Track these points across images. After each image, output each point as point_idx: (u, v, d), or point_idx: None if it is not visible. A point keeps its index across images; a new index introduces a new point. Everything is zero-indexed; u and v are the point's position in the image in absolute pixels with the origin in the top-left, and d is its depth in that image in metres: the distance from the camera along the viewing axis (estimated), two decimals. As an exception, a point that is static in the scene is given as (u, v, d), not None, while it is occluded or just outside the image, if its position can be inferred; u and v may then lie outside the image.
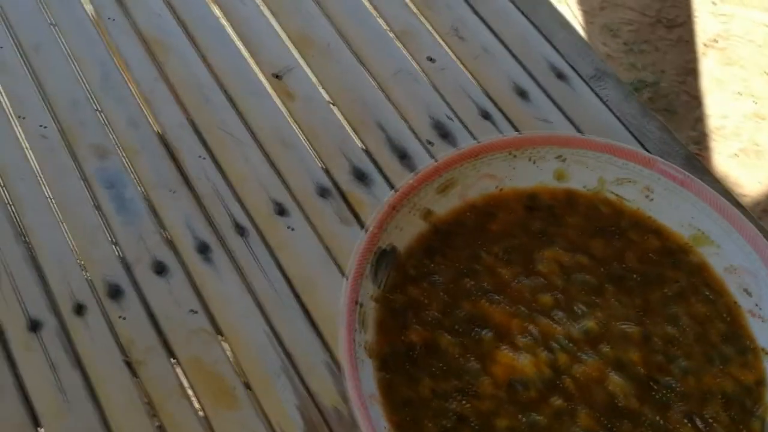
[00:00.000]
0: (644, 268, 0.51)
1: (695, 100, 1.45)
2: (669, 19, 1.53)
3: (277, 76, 0.63)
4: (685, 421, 0.46)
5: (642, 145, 0.62)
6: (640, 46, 1.49)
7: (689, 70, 1.47)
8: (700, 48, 1.50)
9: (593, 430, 0.45)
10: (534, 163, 0.53)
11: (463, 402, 0.45)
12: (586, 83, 0.64)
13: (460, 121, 0.61)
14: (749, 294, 0.50)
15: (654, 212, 0.53)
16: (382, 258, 0.49)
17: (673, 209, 0.53)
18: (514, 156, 0.53)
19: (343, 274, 0.53)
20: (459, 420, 0.45)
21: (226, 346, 0.51)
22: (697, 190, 0.52)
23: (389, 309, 0.49)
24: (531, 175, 0.54)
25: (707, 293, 0.51)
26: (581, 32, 1.52)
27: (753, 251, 0.50)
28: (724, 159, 1.39)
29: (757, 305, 0.50)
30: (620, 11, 1.54)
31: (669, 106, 1.44)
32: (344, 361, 0.43)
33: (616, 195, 0.54)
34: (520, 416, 0.45)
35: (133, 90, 0.62)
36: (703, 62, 1.48)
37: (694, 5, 1.56)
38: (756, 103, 1.43)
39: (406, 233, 0.51)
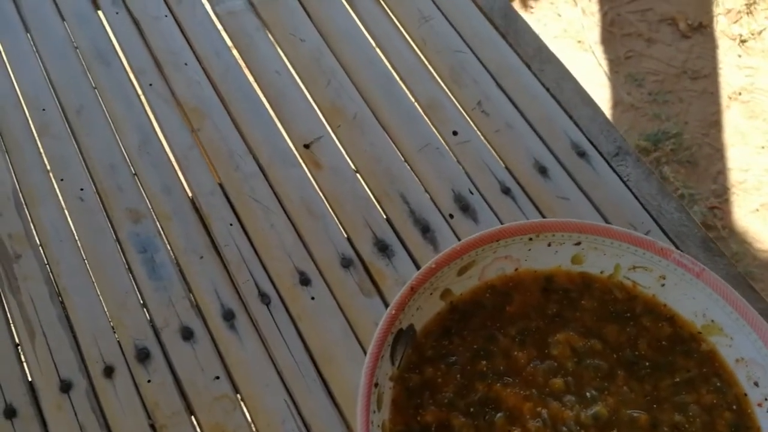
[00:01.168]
0: (656, 356, 0.53)
1: (717, 152, 1.45)
2: (694, 71, 1.54)
3: (306, 146, 0.65)
4: None
5: (659, 225, 0.63)
6: (664, 96, 1.50)
7: (713, 122, 1.48)
8: (725, 100, 1.51)
9: None
10: (551, 247, 0.55)
11: None
12: (607, 161, 0.66)
13: (482, 195, 0.63)
14: (758, 386, 0.51)
15: (668, 300, 0.54)
16: (399, 337, 0.51)
17: (688, 299, 0.54)
18: (532, 240, 0.55)
19: (362, 346, 0.55)
20: None
21: (247, 413, 0.53)
22: (711, 283, 0.53)
23: (405, 388, 0.50)
24: (548, 258, 0.55)
25: (717, 382, 0.52)
26: (606, 82, 1.54)
27: (764, 346, 0.51)
28: (745, 213, 1.40)
29: (765, 398, 0.51)
30: (645, 61, 1.56)
31: (691, 158, 1.45)
32: (360, 443, 0.45)
33: (632, 281, 0.55)
34: None
35: (169, 155, 0.64)
36: (727, 114, 1.49)
37: (719, 57, 1.57)
38: (779, 157, 1.44)
39: (425, 313, 0.53)
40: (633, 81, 1.53)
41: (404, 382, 0.50)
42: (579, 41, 1.58)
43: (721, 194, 1.42)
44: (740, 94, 1.53)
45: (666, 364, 0.52)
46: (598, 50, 1.58)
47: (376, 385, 0.48)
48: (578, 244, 0.55)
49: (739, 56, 1.60)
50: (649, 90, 1.53)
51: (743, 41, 1.59)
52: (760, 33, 1.60)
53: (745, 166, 1.45)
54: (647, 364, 0.52)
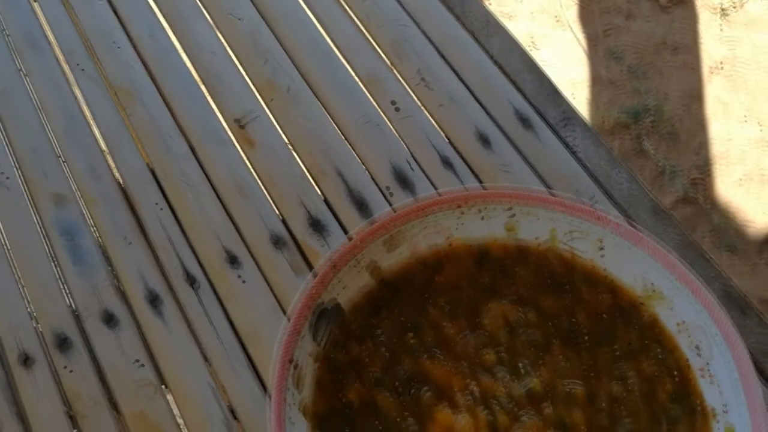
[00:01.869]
0: (595, 327, 0.50)
1: (699, 125, 1.43)
2: (674, 44, 1.51)
3: (240, 125, 0.63)
4: None
5: (608, 195, 0.61)
6: (644, 70, 1.47)
7: (694, 96, 1.45)
8: (706, 73, 1.48)
9: None
10: (483, 219, 0.53)
11: None
12: (554, 130, 0.64)
13: (421, 169, 0.61)
14: (699, 352, 0.49)
15: (607, 265, 0.52)
16: (323, 315, 0.49)
17: (627, 264, 0.52)
18: (463, 213, 0.52)
19: (291, 327, 0.53)
20: None
21: (170, 398, 0.51)
22: (649, 248, 0.51)
23: (330, 367, 0.48)
24: (481, 228, 0.53)
25: (658, 351, 0.50)
26: (584, 58, 1.51)
27: (703, 308, 0.49)
28: (728, 186, 1.37)
29: (707, 364, 0.48)
30: (624, 36, 1.53)
31: (672, 132, 1.42)
32: (270, 422, 0.43)
33: (570, 248, 0.53)
34: None
35: (97, 138, 0.62)
36: (708, 87, 1.46)
37: (700, 29, 1.54)
38: (762, 128, 1.41)
39: (351, 289, 0.50)
40: (612, 56, 1.50)
41: (330, 362, 0.48)
42: (557, 18, 1.55)
43: (703, 167, 1.39)
44: (722, 66, 1.50)
45: (606, 335, 0.50)
46: (576, 27, 1.55)
47: (291, 361, 0.46)
48: (510, 211, 0.53)
49: (721, 28, 1.56)
50: (629, 64, 1.50)
51: (724, 13, 1.56)
52: (742, 4, 1.56)
53: (727, 138, 1.42)
54: (585, 334, 0.50)
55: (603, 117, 1.41)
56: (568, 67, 1.51)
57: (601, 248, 0.52)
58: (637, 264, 0.51)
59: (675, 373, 0.49)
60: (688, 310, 0.49)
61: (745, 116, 1.43)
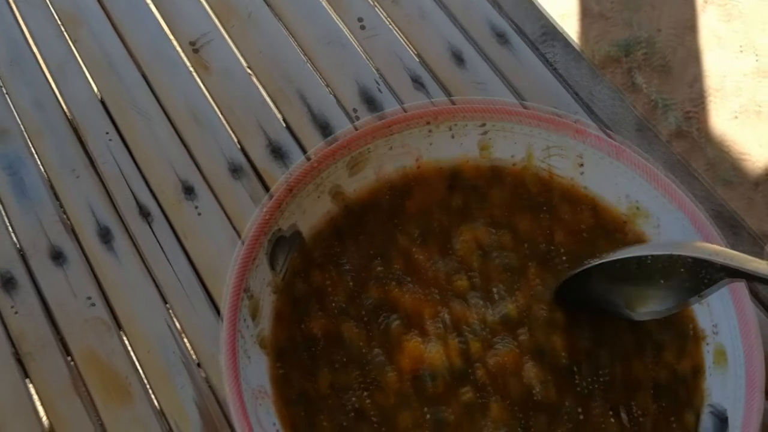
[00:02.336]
0: (574, 246, 0.47)
1: (693, 57, 1.38)
2: (667, -27, 1.45)
3: (194, 49, 0.58)
4: (610, 414, 0.42)
5: (590, 112, 0.57)
6: (635, 1, 1.42)
7: (687, 27, 1.39)
8: (700, 3, 1.43)
9: (506, 424, 0.41)
10: (455, 137, 0.49)
11: (364, 396, 0.42)
12: (532, 45, 0.59)
13: (390, 89, 0.57)
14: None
15: (588, 184, 0.48)
16: (281, 243, 0.45)
17: (608, 181, 0.48)
18: (431, 131, 0.48)
19: (251, 259, 0.50)
20: (357, 416, 0.42)
21: (124, 338, 0.48)
22: (631, 161, 0.47)
23: (290, 298, 0.45)
24: (452, 148, 0.49)
25: None
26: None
27: (691, 226, 0.45)
28: (723, 119, 1.33)
29: (695, 285, 0.45)
30: (615, -34, 1.47)
31: (665, 65, 1.37)
32: (223, 356, 0.40)
33: (547, 166, 0.49)
34: (425, 411, 0.42)
35: (42, 68, 0.58)
36: (702, 18, 1.41)
37: (693, -43, 1.47)
38: (758, 59, 1.36)
39: (312, 215, 0.47)
40: (602, -12, 1.44)
41: (289, 291, 0.45)
42: (544, -50, 1.49)
43: (697, 100, 1.35)
44: (717, -5, 1.44)
45: (586, 255, 0.47)
46: (565, -42, 1.49)
47: (247, 290, 0.43)
48: (483, 128, 0.49)
49: (715, -45, 1.50)
50: (620, -4, 1.44)
51: (719, -61, 1.49)
52: (736, -72, 1.50)
53: (721, 70, 1.37)
54: (564, 254, 0.46)
55: (593, 51, 1.36)
56: (556, 2, 1.45)
57: (581, 165, 0.49)
58: (619, 181, 0.48)
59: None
60: (676, 228, 0.46)
61: (741, 47, 1.38)
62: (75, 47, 0.59)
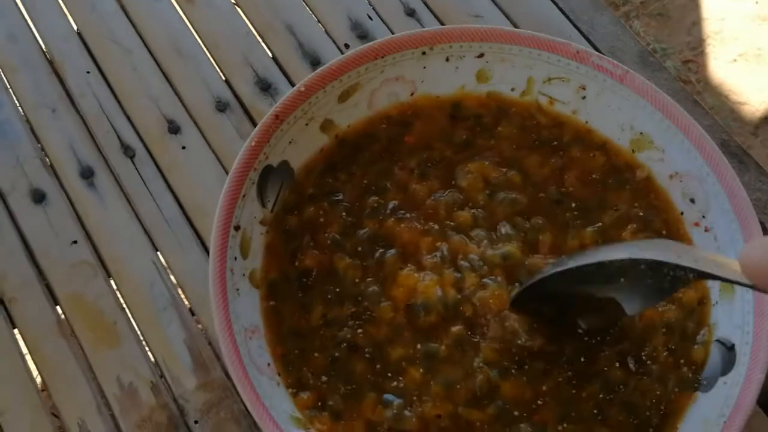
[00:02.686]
0: (584, 192, 0.45)
1: (691, 2, 1.34)
2: None
3: (175, -22, 0.56)
4: (617, 363, 0.40)
5: (590, 42, 0.54)
6: (633, -54, 1.38)
7: (686, -30, 1.36)
8: (699, -55, 1.39)
9: (497, 365, 0.39)
10: (450, 62, 0.47)
11: (357, 329, 0.40)
12: (529, -28, 0.56)
13: (382, 20, 0.54)
14: (693, 202, 0.44)
15: (591, 115, 0.46)
16: (269, 175, 0.43)
17: (612, 110, 0.46)
18: (425, 54, 0.46)
19: (240, 196, 0.48)
20: (350, 349, 0.40)
21: (110, 279, 0.46)
22: (636, 86, 0.45)
23: (281, 232, 0.43)
24: (449, 77, 0.47)
25: (650, 215, 0.44)
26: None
27: (698, 155, 0.43)
28: (722, 65, 1.30)
29: (701, 213, 0.43)
30: None
31: (663, 11, 1.34)
32: (212, 290, 0.38)
33: (548, 97, 0.47)
34: (417, 345, 0.40)
35: (16, 1, 0.55)
36: (702, -40, 1.37)
37: None
38: (757, 2, 1.33)
39: (302, 147, 0.45)
40: (598, -70, 1.39)
41: (280, 225, 0.43)
42: None
43: (696, 47, 1.32)
44: (716, -64, 1.40)
45: (595, 204, 0.44)
46: None
47: (237, 228, 0.41)
48: (481, 56, 0.47)
49: None
50: (617, -60, 1.40)
51: None
52: None
53: (720, 15, 1.34)
54: (574, 204, 0.44)
55: (590, -4, 1.32)
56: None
57: (584, 97, 0.46)
58: (624, 110, 0.45)
59: (663, 232, 0.44)
60: (681, 158, 0.44)
61: (741, -10, 1.35)
62: (50, -21, 0.56)
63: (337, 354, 0.40)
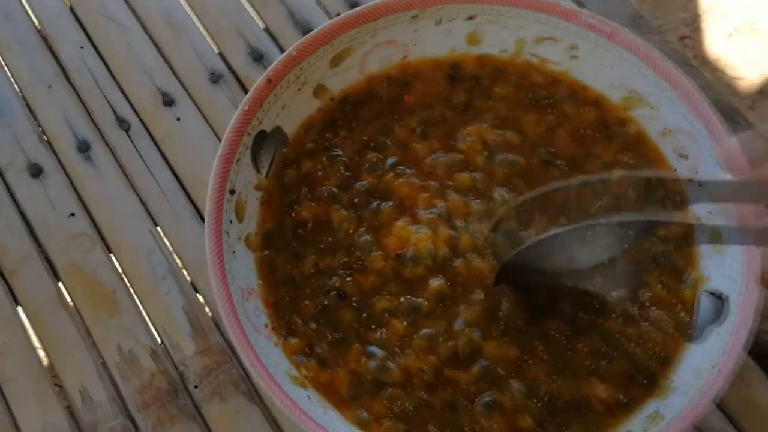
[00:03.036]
0: (574, 150, 0.45)
1: (686, -23, 1.34)
2: None
3: (166, -48, 0.56)
4: (613, 314, 0.40)
5: (580, 4, 0.54)
6: None
7: (680, -54, 1.36)
8: None
9: (480, 328, 0.40)
10: (441, 25, 0.47)
11: (347, 277, 0.41)
12: (519, -61, 0.56)
13: (374, -11, 0.54)
14: (686, 158, 0.44)
15: (583, 74, 0.47)
16: (263, 140, 0.43)
17: (604, 68, 0.46)
18: (416, 17, 0.46)
19: (235, 165, 0.48)
20: (339, 297, 0.40)
21: (108, 250, 0.47)
22: (627, 43, 0.45)
23: (279, 184, 0.43)
24: (440, 40, 0.47)
25: (640, 165, 0.44)
26: None
27: (690, 111, 0.44)
28: (718, 40, 1.29)
29: (694, 169, 0.44)
30: None
31: (657, -13, 1.34)
32: (209, 253, 0.38)
33: (539, 57, 0.47)
34: (402, 298, 0.40)
35: (7, -21, 0.55)
36: (696, -65, 1.37)
37: None
38: (752, -23, 1.32)
39: (295, 112, 0.45)
40: None
41: (279, 178, 0.44)
42: None
43: (692, 22, 1.31)
44: None
45: (583, 158, 0.45)
46: None
47: (233, 192, 0.41)
48: (472, 18, 0.47)
49: None
50: None
51: None
52: None
53: (716, -11, 1.33)
54: (561, 162, 0.44)
55: (584, -28, 1.32)
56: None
57: (575, 57, 0.47)
58: (615, 68, 0.46)
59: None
60: (673, 115, 0.44)
61: (736, -36, 1.35)
62: (41, -43, 0.56)
63: (326, 302, 0.40)
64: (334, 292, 0.40)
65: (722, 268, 0.40)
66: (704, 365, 0.38)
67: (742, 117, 0.51)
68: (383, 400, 0.38)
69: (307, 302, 0.40)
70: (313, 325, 0.40)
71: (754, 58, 1.26)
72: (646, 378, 0.39)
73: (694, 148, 0.44)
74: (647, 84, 0.45)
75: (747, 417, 0.42)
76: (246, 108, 0.42)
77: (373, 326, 0.40)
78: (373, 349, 0.39)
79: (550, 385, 0.39)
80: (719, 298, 0.40)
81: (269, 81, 0.43)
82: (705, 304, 0.41)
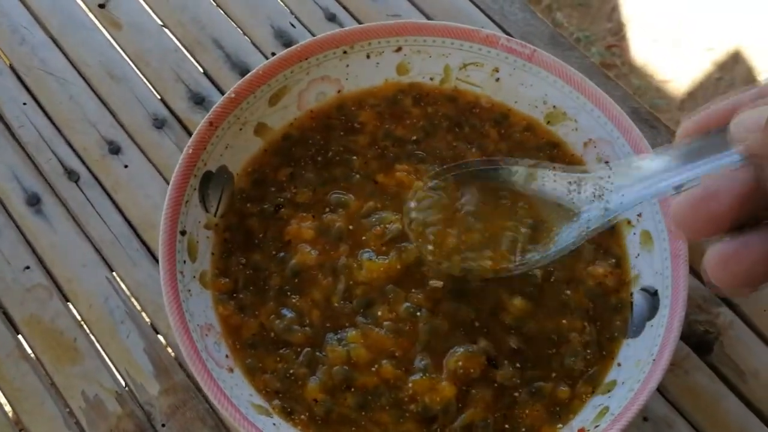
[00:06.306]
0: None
1: (610, -11, 1.40)
2: None
3: (101, 5, 0.57)
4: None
5: (503, 29, 0.58)
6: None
7: (600, -40, 1.42)
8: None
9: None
10: (371, 59, 0.49)
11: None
12: (441, -30, 0.60)
13: (305, 27, 0.57)
14: (608, 164, 0.47)
15: (506, 94, 0.50)
16: (209, 181, 0.45)
17: (525, 88, 0.49)
18: (346, 53, 0.49)
19: (184, 206, 0.49)
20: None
21: (65, 299, 0.48)
22: (545, 64, 0.48)
23: (227, 223, 0.45)
24: (371, 73, 0.50)
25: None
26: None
27: (608, 121, 0.47)
28: (644, 47, 1.36)
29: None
30: None
31: (583, 1, 1.40)
32: (166, 294, 0.40)
33: (466, 82, 0.50)
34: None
35: (-56, 41, 0.56)
36: (617, -54, 1.43)
37: None
38: (670, -17, 1.39)
39: (239, 151, 0.47)
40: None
41: (227, 216, 0.46)
42: None
43: (618, 32, 1.37)
44: (626, -75, 1.46)
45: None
46: None
47: (183, 232, 0.43)
48: (399, 50, 0.50)
49: None
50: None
51: None
52: None
53: (637, -1, 1.40)
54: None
55: (512, -9, 1.37)
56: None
57: (497, 79, 0.50)
58: (535, 87, 0.49)
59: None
60: (593, 126, 0.47)
61: (654, -27, 1.41)
62: (-25, 18, 0.57)
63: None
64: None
65: (652, 265, 0.43)
66: (643, 355, 0.41)
67: (661, 122, 0.55)
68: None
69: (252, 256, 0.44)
70: (248, 272, 0.44)
71: (678, 61, 1.33)
72: (589, 376, 0.42)
73: (614, 154, 0.47)
74: (566, 99, 0.48)
75: (689, 402, 0.45)
76: (190, 151, 0.44)
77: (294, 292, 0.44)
78: (286, 311, 0.43)
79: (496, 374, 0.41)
80: (651, 294, 0.43)
81: (211, 123, 0.45)
82: (639, 301, 0.44)
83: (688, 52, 1.33)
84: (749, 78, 1.33)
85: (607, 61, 1.33)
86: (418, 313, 0.42)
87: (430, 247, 0.41)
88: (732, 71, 1.32)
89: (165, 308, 0.40)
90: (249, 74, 0.46)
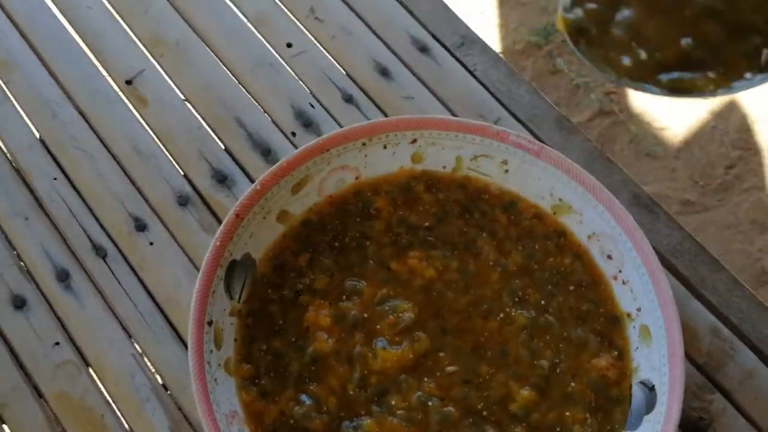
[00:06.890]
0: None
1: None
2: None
3: (128, 82, 0.60)
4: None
5: (510, 112, 0.61)
6: (548, -15, 1.47)
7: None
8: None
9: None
10: (387, 149, 0.52)
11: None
12: (451, 53, 0.63)
13: (324, 107, 0.60)
14: (611, 258, 0.50)
15: (514, 185, 0.52)
16: (233, 269, 0.48)
17: (533, 180, 0.52)
18: (365, 145, 0.52)
19: (207, 285, 0.52)
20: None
21: (93, 375, 0.50)
22: (553, 160, 0.51)
23: (250, 309, 0.48)
24: (387, 161, 0.52)
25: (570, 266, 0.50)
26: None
27: (612, 218, 0.50)
28: (642, 95, 1.39)
29: (617, 268, 0.50)
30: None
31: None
32: (195, 387, 0.42)
33: (476, 171, 0.53)
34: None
35: (-22, 114, 0.59)
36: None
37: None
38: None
39: (262, 239, 0.50)
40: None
41: (250, 302, 0.48)
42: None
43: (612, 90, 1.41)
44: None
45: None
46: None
47: (210, 323, 0.45)
48: (414, 141, 0.52)
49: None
50: (533, -19, 1.49)
51: None
52: None
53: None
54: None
55: (514, 39, 1.41)
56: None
57: (507, 171, 0.52)
58: (543, 180, 0.52)
59: (583, 283, 0.50)
60: (597, 221, 0.50)
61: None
62: (8, 90, 0.60)
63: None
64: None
65: (650, 361, 0.46)
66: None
67: (660, 207, 0.57)
68: None
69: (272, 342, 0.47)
70: (270, 358, 0.47)
71: (676, 109, 1.36)
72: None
73: (616, 249, 0.50)
74: (572, 192, 0.51)
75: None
76: (218, 243, 0.46)
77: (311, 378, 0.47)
78: (305, 397, 0.45)
79: None
80: (648, 388, 0.46)
81: (237, 215, 0.47)
82: (638, 394, 0.46)
83: (686, 100, 1.37)
84: (743, 126, 1.37)
85: (606, 108, 1.36)
86: (430, 402, 0.45)
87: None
88: (727, 120, 1.36)
89: (191, 392, 0.43)
90: (274, 166, 0.49)
